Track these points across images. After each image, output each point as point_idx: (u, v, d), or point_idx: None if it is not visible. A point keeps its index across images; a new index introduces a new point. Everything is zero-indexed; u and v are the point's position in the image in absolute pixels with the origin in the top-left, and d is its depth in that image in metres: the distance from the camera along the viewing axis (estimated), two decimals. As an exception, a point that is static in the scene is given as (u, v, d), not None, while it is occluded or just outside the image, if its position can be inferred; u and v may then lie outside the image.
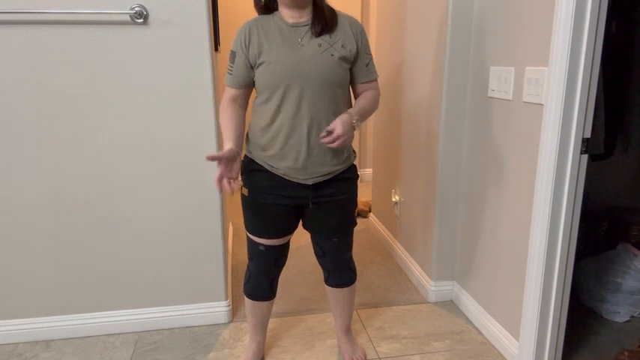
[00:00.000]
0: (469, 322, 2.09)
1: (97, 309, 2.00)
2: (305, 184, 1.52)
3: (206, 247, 2.01)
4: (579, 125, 1.48)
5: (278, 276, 1.71)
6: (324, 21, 1.44)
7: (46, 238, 1.89)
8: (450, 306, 2.22)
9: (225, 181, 1.36)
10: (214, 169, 1.92)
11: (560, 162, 1.51)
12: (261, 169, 1.52)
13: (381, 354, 1.87)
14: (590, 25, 1.40)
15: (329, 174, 1.52)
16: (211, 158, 1.30)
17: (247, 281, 1.69)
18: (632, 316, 2.09)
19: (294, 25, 1.44)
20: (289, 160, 1.48)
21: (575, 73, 1.44)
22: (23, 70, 1.72)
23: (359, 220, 3.39)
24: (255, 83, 1.49)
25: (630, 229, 2.34)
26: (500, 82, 1.77)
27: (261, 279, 1.67)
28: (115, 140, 1.84)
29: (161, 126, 1.85)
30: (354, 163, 1.62)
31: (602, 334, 1.99)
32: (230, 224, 3.17)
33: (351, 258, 1.72)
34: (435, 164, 2.14)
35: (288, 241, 1.66)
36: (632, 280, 2.05)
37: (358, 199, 3.58)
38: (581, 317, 2.10)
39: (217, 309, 2.08)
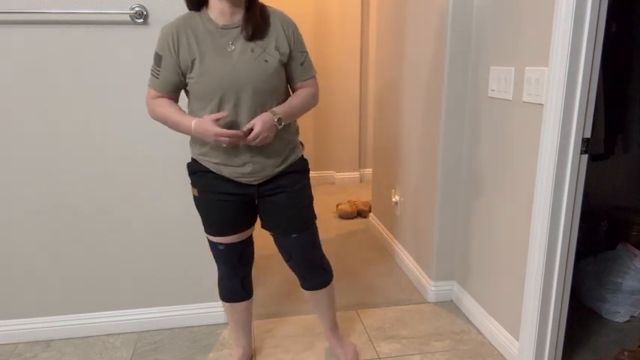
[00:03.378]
0: (469, 322, 2.09)
1: (97, 309, 2.00)
2: (251, 184, 1.50)
3: (206, 247, 2.00)
4: (579, 125, 1.48)
5: (249, 275, 1.68)
6: (256, 24, 1.36)
7: (46, 238, 1.89)
8: (450, 306, 2.22)
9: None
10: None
11: (560, 162, 1.51)
12: (207, 171, 1.50)
13: (381, 354, 1.87)
14: (590, 25, 1.40)
15: (273, 174, 1.50)
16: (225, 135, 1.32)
17: (219, 283, 1.69)
18: (632, 316, 2.09)
19: (225, 28, 1.37)
20: (232, 167, 1.46)
21: (575, 73, 1.44)
22: (23, 70, 1.72)
23: (360, 221, 3.39)
24: (189, 92, 1.43)
25: (630, 229, 2.34)
26: (500, 82, 1.77)
27: (231, 279, 1.66)
28: (115, 140, 1.84)
29: (160, 125, 1.85)
30: (303, 154, 1.58)
31: (602, 334, 1.99)
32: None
33: (322, 257, 1.67)
34: (435, 164, 2.14)
35: (250, 237, 1.63)
36: (632, 280, 2.05)
37: (359, 199, 3.58)
38: (581, 317, 2.10)
39: (217, 309, 2.08)
